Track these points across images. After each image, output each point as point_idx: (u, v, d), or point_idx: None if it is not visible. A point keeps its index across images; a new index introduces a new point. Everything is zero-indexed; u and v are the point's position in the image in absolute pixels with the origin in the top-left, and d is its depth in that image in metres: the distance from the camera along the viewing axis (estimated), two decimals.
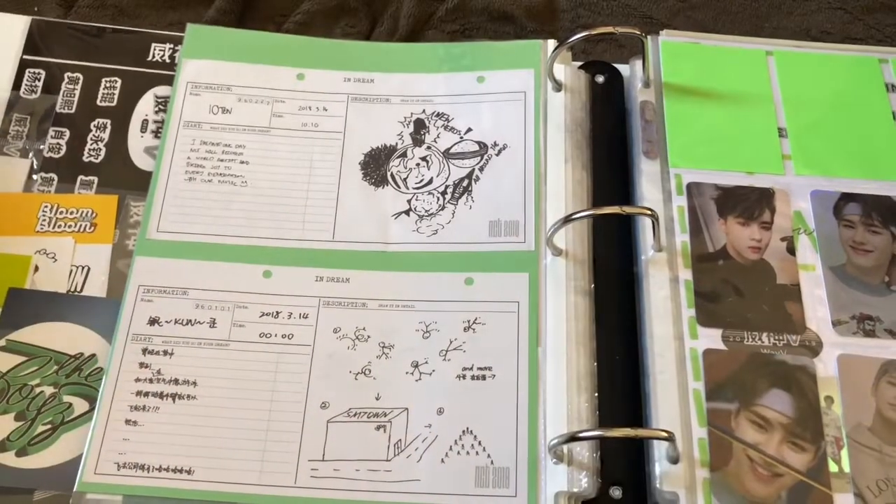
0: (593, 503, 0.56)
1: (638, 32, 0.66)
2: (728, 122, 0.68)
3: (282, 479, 0.56)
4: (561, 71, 0.70)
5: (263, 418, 0.57)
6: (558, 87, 0.69)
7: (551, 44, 0.71)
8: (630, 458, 0.57)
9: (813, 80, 0.70)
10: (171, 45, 0.71)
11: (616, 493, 0.56)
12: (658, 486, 0.55)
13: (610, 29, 0.69)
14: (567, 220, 0.60)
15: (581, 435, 0.53)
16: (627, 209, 0.61)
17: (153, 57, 0.71)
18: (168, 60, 0.71)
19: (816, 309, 0.60)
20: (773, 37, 0.76)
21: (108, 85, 0.70)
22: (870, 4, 0.78)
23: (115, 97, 0.70)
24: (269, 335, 0.60)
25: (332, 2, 0.76)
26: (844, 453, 0.55)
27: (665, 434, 0.52)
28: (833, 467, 0.55)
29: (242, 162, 0.66)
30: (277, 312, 0.61)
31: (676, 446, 0.54)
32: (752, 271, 0.61)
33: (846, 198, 0.65)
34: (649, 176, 0.66)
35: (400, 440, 0.57)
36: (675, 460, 0.55)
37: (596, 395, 0.59)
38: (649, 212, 0.59)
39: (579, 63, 0.72)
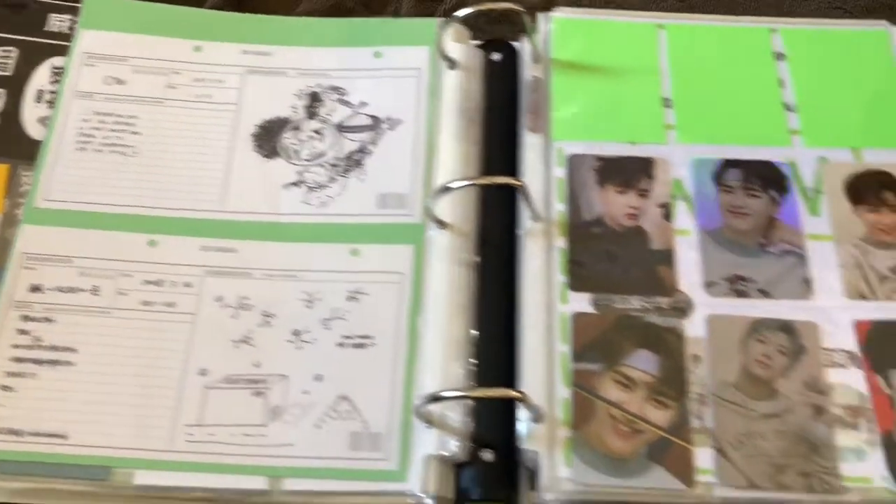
0: (467, 467, 0.57)
1: (522, 9, 0.67)
2: (613, 94, 0.69)
3: (157, 444, 0.57)
4: (455, 49, 0.71)
5: (141, 384, 0.59)
6: (452, 64, 0.70)
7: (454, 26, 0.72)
8: (501, 422, 0.58)
9: (701, 52, 0.72)
10: (71, 17, 0.72)
11: (487, 455, 0.57)
12: (520, 446, 0.56)
13: (492, 5, 0.70)
14: (443, 190, 0.61)
15: (440, 395, 0.54)
16: (495, 179, 0.63)
17: (51, 27, 0.72)
18: (68, 31, 0.72)
19: (690, 272, 0.62)
20: None
21: (3, 54, 0.71)
22: (870, 4, 0.78)
23: (11, 67, 0.70)
24: (151, 303, 0.61)
25: (328, 2, 0.77)
26: (708, 410, 0.56)
27: (517, 394, 0.53)
28: (695, 423, 0.56)
29: (134, 133, 0.67)
30: (161, 281, 0.62)
31: (536, 406, 0.55)
32: (627, 237, 0.63)
33: (728, 164, 0.66)
34: (534, 149, 0.67)
35: (277, 406, 0.58)
36: (538, 421, 0.56)
37: (473, 361, 0.60)
38: (517, 182, 0.60)
39: (478, 42, 0.73)
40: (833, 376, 0.58)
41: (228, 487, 0.56)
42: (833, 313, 0.60)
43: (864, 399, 0.57)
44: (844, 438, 0.55)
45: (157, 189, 0.66)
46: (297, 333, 0.61)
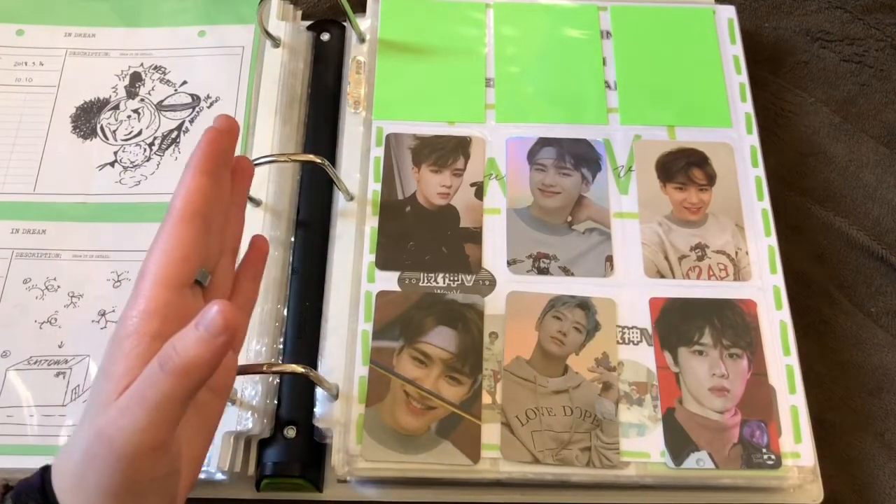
0: (270, 445, 0.57)
1: None
2: (437, 75, 0.69)
3: None
4: (281, 28, 0.70)
5: None
6: (276, 43, 0.70)
7: (275, 2, 0.71)
8: (304, 400, 0.58)
9: (528, 31, 0.72)
10: None
11: (290, 432, 0.58)
12: (315, 423, 0.56)
13: None
14: None
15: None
16: (295, 156, 0.63)
17: None
18: None
19: (496, 250, 0.62)
20: (774, 36, 0.77)
21: None
22: (869, 4, 0.79)
23: None
24: None
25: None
26: (500, 386, 0.57)
27: (302, 370, 0.54)
28: (486, 399, 0.57)
29: None
30: None
31: (329, 384, 0.56)
32: (438, 216, 0.63)
33: (542, 142, 0.67)
34: (354, 129, 0.67)
35: (78, 385, 0.58)
36: (335, 399, 0.57)
37: (282, 339, 0.60)
38: (317, 160, 0.60)
39: (309, 22, 0.73)
40: (625, 353, 0.59)
41: (22, 467, 0.56)
42: (631, 290, 0.61)
43: (651, 376, 0.58)
44: (629, 414, 0.57)
45: None
46: (102, 314, 0.61)
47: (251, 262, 0.49)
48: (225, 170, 0.46)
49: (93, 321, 0.60)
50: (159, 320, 0.40)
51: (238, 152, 0.63)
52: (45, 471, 0.41)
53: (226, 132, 0.45)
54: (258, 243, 0.50)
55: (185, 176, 0.43)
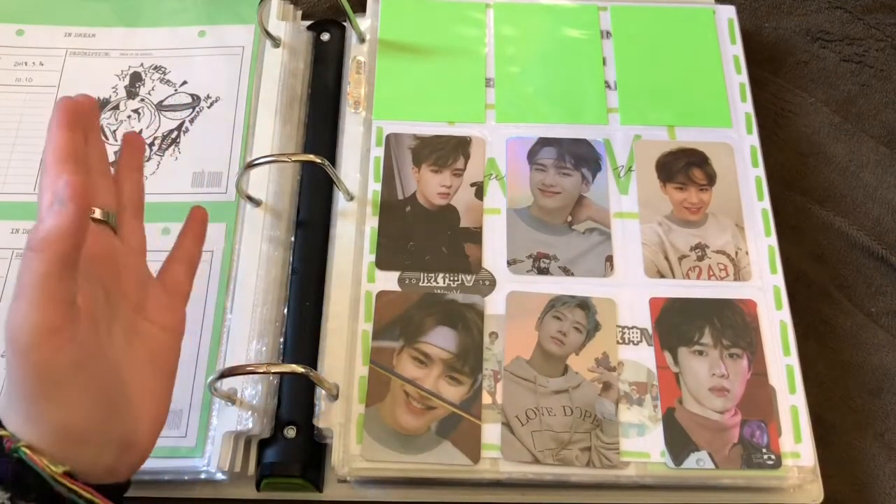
0: (270, 445, 0.57)
1: None
2: (437, 75, 0.69)
3: None
4: (281, 28, 0.70)
5: None
6: (276, 43, 0.70)
7: (275, 2, 0.71)
8: (304, 400, 0.58)
9: (528, 31, 0.72)
10: None
11: (290, 432, 0.58)
12: (315, 423, 0.56)
13: None
14: (249, 166, 0.61)
15: (229, 370, 0.54)
16: (296, 156, 0.63)
17: None
18: None
19: (496, 250, 0.62)
20: (774, 36, 0.77)
21: None
22: (869, 4, 0.78)
23: None
24: None
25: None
26: (500, 386, 0.57)
27: (300, 370, 0.54)
28: (486, 399, 0.57)
29: None
30: None
31: (329, 384, 0.56)
32: (438, 216, 0.63)
33: (542, 142, 0.67)
34: (354, 129, 0.67)
35: None
36: (335, 399, 0.57)
37: (282, 339, 0.60)
38: (317, 160, 0.60)
39: (309, 22, 0.73)
40: (625, 353, 0.59)
41: None
42: (631, 290, 0.61)
43: (651, 376, 0.58)
44: (629, 414, 0.57)
45: None
46: None
47: (128, 154, 0.53)
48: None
49: None
50: None
51: (238, 152, 0.63)
52: None
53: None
54: (130, 138, 0.54)
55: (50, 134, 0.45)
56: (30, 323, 0.38)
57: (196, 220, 0.55)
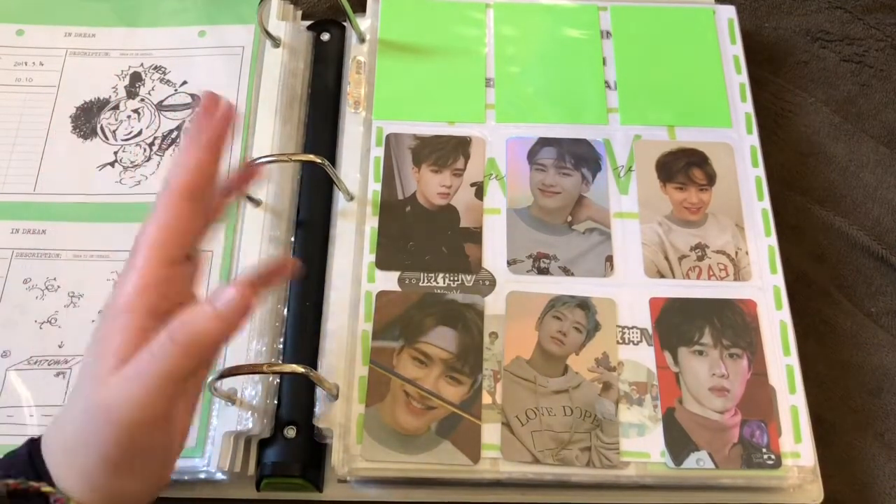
0: (270, 445, 0.57)
1: None
2: (437, 75, 0.69)
3: None
4: (281, 28, 0.70)
5: None
6: (276, 43, 0.70)
7: (275, 2, 0.71)
8: (304, 400, 0.58)
9: (528, 31, 0.72)
10: None
11: (290, 433, 0.58)
12: (315, 423, 0.56)
13: None
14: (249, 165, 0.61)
15: (229, 371, 0.54)
16: (296, 156, 0.63)
17: None
18: None
19: (496, 250, 0.62)
20: (774, 36, 0.77)
21: None
22: (869, 4, 0.78)
23: None
24: None
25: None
26: (500, 386, 0.57)
27: (300, 370, 0.54)
28: (486, 399, 0.57)
29: None
30: None
31: (329, 384, 0.56)
32: (438, 216, 0.63)
33: (542, 142, 0.67)
34: (354, 129, 0.67)
35: None
36: (335, 399, 0.57)
37: (282, 339, 0.60)
38: (317, 160, 0.60)
39: (309, 22, 0.73)
40: (625, 353, 0.59)
41: None
42: (631, 290, 0.61)
43: (651, 376, 0.58)
44: (629, 414, 0.57)
45: None
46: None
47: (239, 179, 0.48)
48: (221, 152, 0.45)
49: (93, 321, 0.60)
50: (155, 295, 0.40)
51: (238, 152, 0.63)
52: (32, 443, 0.41)
53: (224, 118, 0.44)
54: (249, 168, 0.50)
55: (184, 153, 0.42)
56: (145, 411, 0.37)
57: (280, 273, 0.47)
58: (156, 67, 0.70)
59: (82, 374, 0.40)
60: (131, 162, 0.66)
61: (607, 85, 0.69)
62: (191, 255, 0.43)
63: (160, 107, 0.68)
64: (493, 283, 0.61)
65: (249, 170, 0.49)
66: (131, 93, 0.69)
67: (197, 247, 0.44)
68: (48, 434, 0.41)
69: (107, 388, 0.38)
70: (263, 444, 0.58)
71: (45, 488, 0.39)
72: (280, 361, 0.59)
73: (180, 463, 0.53)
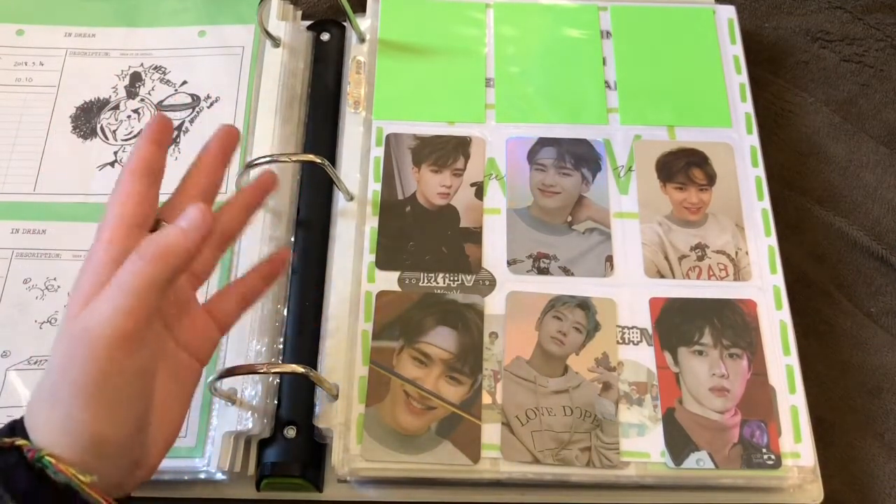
0: (270, 445, 0.57)
1: None
2: (437, 75, 0.69)
3: None
4: (281, 28, 0.70)
5: None
6: (276, 43, 0.70)
7: (275, 2, 0.71)
8: (304, 400, 0.58)
9: (528, 31, 0.72)
10: None
11: (290, 432, 0.58)
12: (315, 423, 0.56)
13: None
14: (249, 166, 0.61)
15: (229, 370, 0.54)
16: (296, 156, 0.63)
17: None
18: None
19: (496, 250, 0.62)
20: (774, 36, 0.77)
21: None
22: (870, 4, 0.78)
23: None
24: None
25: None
26: (500, 386, 0.57)
27: (300, 370, 0.54)
28: (486, 399, 0.57)
29: None
30: None
31: (329, 384, 0.56)
32: (438, 216, 0.63)
33: (542, 142, 0.67)
34: (354, 129, 0.67)
35: None
36: (336, 398, 0.57)
37: (282, 339, 0.60)
38: (317, 160, 0.60)
39: (309, 22, 0.73)
40: (625, 353, 0.59)
41: None
42: (631, 290, 0.61)
43: (651, 376, 0.58)
44: (629, 414, 0.57)
45: None
46: None
47: (251, 191, 0.52)
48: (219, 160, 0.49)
49: None
50: (121, 249, 0.41)
51: (238, 152, 0.63)
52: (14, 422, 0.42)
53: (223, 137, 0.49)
54: (267, 178, 0.53)
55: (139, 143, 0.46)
56: (114, 326, 0.39)
57: (277, 262, 0.53)
58: (156, 67, 0.70)
59: (61, 318, 0.41)
60: None
61: (607, 85, 0.69)
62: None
63: (160, 107, 0.68)
64: (493, 283, 0.61)
65: (266, 181, 0.52)
66: (131, 93, 0.69)
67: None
68: (31, 396, 0.42)
69: (85, 311, 0.39)
70: (263, 444, 0.57)
71: (19, 441, 0.39)
72: (280, 361, 0.59)
73: (180, 463, 0.54)
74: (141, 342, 0.39)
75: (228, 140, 0.50)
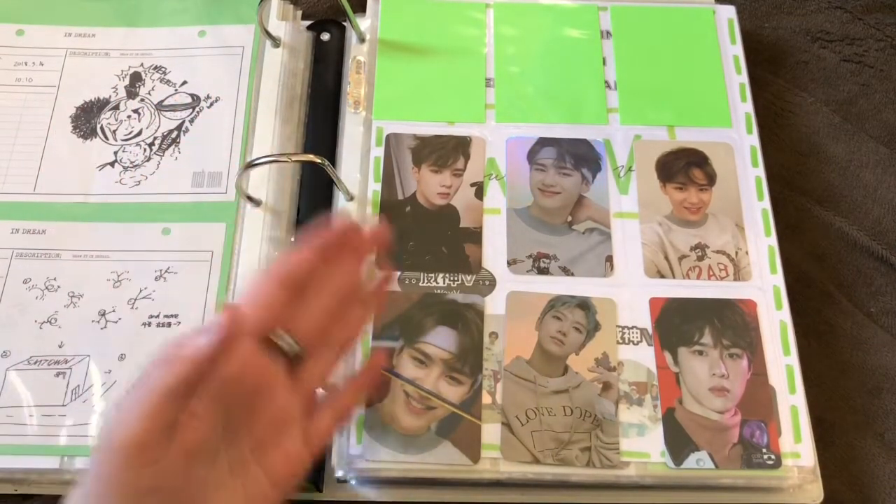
0: None
1: None
2: (437, 75, 0.69)
3: None
4: (281, 28, 0.70)
5: None
6: (276, 43, 0.70)
7: (275, 2, 0.71)
8: None
9: (528, 31, 0.72)
10: None
11: None
12: None
13: None
14: (249, 166, 0.61)
15: None
16: (296, 156, 0.63)
17: None
18: None
19: (496, 250, 0.62)
20: (774, 36, 0.77)
21: None
22: (869, 4, 0.78)
23: None
24: None
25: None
26: (500, 386, 0.57)
27: None
28: (486, 399, 0.57)
29: None
30: None
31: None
32: (438, 216, 0.63)
33: (542, 142, 0.67)
34: (354, 129, 0.67)
35: (78, 386, 0.58)
36: None
37: None
38: (317, 160, 0.60)
39: (309, 22, 0.73)
40: (625, 353, 0.59)
41: (22, 467, 0.56)
42: (631, 290, 0.61)
43: (651, 376, 0.58)
44: (629, 414, 0.57)
45: None
46: (102, 313, 0.61)
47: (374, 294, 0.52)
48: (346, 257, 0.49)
49: (93, 321, 0.60)
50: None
51: (238, 152, 0.63)
52: None
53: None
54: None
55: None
56: (122, 434, 0.38)
57: (373, 368, 0.53)
58: (156, 67, 0.70)
59: None
60: (131, 162, 0.66)
61: (607, 85, 0.69)
62: (284, 346, 0.45)
63: (160, 107, 0.68)
64: (493, 283, 0.61)
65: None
66: (131, 93, 0.69)
67: (294, 342, 0.46)
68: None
69: (111, 424, 0.38)
70: None
71: None
72: None
73: None
74: (148, 455, 0.38)
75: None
